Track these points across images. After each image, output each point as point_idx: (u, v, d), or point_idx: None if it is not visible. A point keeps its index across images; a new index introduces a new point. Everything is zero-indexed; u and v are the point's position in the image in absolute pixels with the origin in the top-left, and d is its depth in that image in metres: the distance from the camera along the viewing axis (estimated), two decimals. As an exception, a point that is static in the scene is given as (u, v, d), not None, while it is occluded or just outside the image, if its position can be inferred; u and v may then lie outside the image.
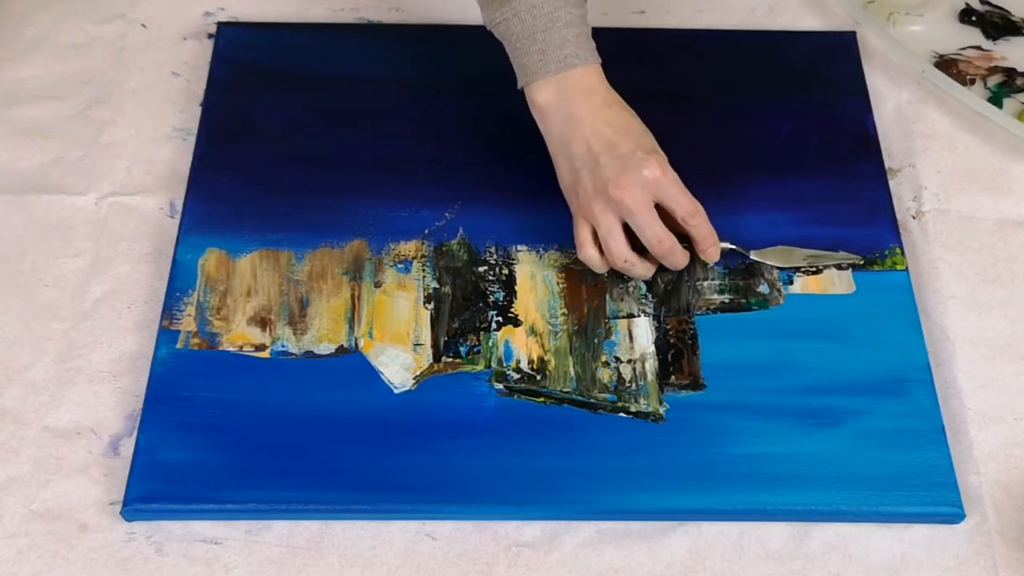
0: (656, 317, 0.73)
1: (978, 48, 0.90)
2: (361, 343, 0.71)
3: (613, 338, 0.72)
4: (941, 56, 0.89)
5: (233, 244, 0.75)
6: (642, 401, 0.69)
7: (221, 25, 0.88)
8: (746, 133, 0.82)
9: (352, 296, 0.73)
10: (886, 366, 0.70)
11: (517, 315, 0.73)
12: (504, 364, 0.71)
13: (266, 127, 0.82)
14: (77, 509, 0.66)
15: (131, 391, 0.71)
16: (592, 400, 0.69)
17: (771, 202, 0.78)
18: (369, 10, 0.91)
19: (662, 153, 0.70)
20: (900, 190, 0.81)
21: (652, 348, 0.71)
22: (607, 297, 0.74)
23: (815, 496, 0.65)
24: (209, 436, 0.67)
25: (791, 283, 0.74)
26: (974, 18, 0.92)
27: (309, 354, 0.71)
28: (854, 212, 0.78)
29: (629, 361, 0.71)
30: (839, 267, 0.75)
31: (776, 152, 0.81)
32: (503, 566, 0.65)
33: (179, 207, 0.78)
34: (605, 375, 0.70)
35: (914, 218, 0.80)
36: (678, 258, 0.71)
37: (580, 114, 0.69)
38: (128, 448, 0.68)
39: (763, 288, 0.74)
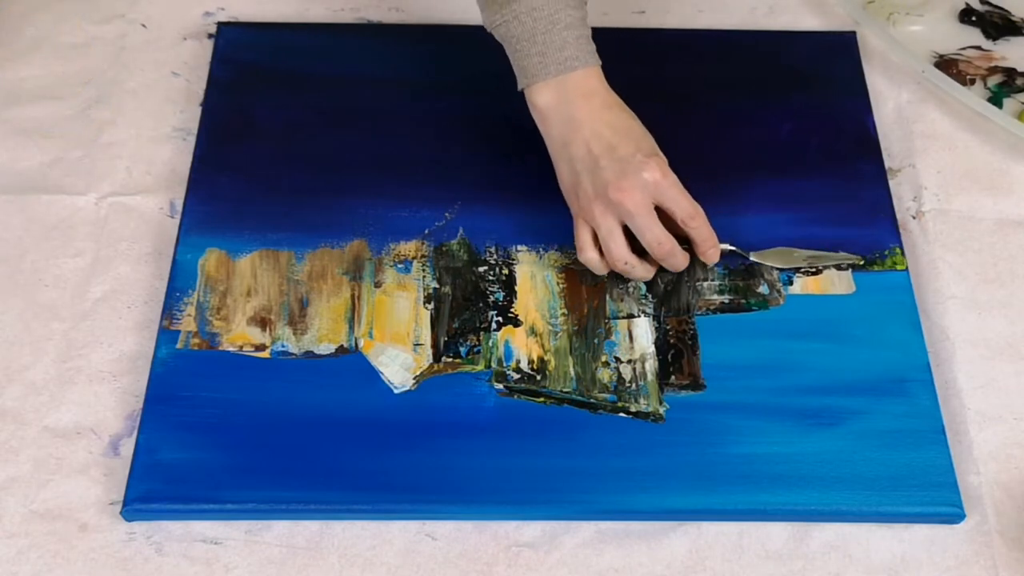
0: (656, 317, 0.73)
1: (978, 48, 0.90)
2: (361, 343, 0.71)
3: (613, 338, 0.72)
4: (941, 56, 0.89)
5: (233, 244, 0.75)
6: (642, 401, 0.69)
7: (221, 25, 0.88)
8: (746, 133, 0.82)
9: (352, 296, 0.73)
10: (886, 366, 0.70)
11: (517, 315, 0.73)
12: (504, 364, 0.70)
13: (266, 127, 0.82)
14: (77, 509, 0.66)
15: (131, 391, 0.71)
16: (592, 400, 0.69)
17: (771, 202, 0.78)
18: (369, 10, 0.91)
19: (662, 155, 0.70)
20: (900, 190, 0.81)
21: (652, 348, 0.71)
22: (607, 297, 0.74)
23: (815, 496, 0.65)
24: (209, 436, 0.67)
25: (791, 283, 0.74)
26: (974, 18, 0.91)
27: (309, 354, 0.71)
28: (854, 212, 0.78)
29: (629, 361, 0.71)
30: (839, 267, 0.75)
31: (776, 152, 0.81)
32: (503, 566, 0.65)
33: (179, 207, 0.78)
34: (605, 375, 0.70)
35: (914, 218, 0.80)
36: (678, 260, 0.71)
37: (580, 116, 0.69)
38: (128, 448, 0.68)
39: (763, 288, 0.74)
